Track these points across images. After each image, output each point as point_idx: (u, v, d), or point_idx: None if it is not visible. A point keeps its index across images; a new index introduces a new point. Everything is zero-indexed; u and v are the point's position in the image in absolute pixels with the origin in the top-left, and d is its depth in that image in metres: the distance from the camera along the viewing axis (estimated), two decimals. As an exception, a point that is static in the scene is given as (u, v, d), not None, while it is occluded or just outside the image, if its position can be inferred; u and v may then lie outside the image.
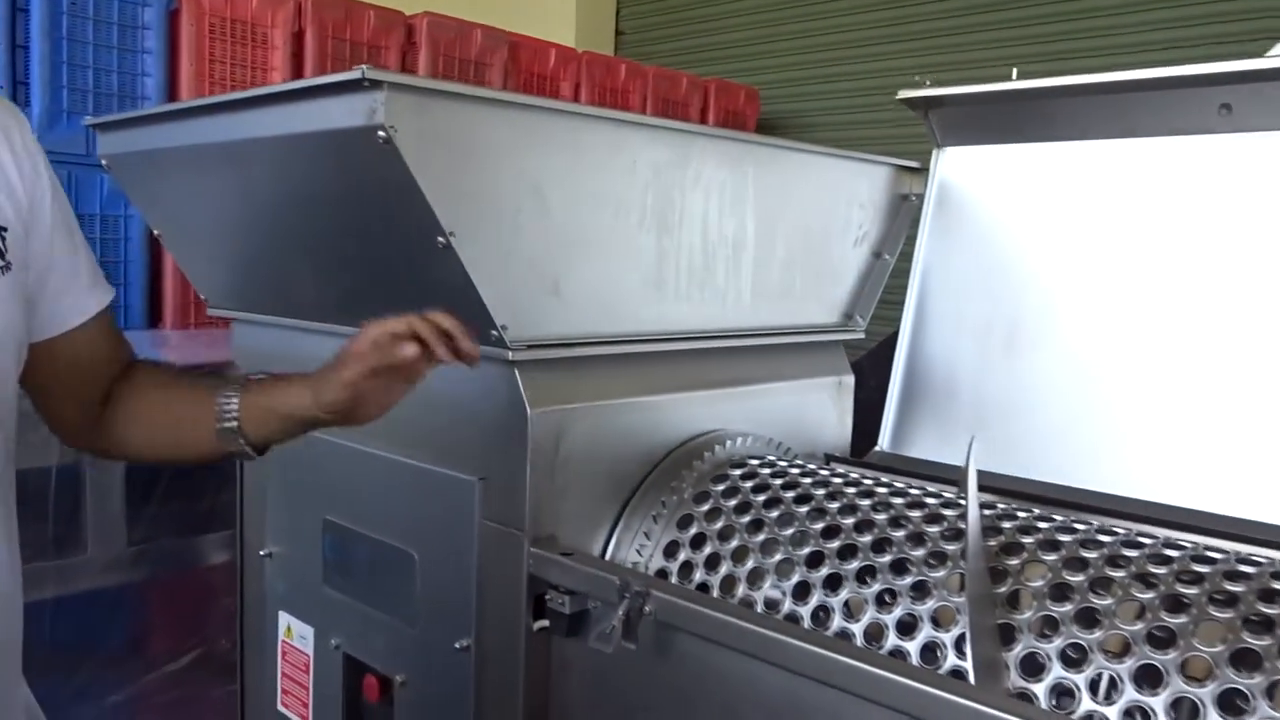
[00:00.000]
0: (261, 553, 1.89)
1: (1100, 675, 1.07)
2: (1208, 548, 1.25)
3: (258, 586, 1.94)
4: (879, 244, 1.95)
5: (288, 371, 1.23)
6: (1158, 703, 1.01)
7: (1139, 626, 1.09)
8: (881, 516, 1.37)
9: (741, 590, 1.36)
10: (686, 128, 1.58)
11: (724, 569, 1.39)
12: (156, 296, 3.02)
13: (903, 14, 4.47)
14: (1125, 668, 1.05)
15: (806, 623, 1.28)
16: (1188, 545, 1.26)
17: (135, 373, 1.26)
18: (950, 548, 1.28)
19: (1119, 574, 1.17)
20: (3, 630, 1.08)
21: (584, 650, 1.38)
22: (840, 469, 1.68)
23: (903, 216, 1.95)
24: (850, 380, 1.98)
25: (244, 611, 2.02)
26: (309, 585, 1.79)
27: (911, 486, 1.51)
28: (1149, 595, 1.12)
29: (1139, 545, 1.24)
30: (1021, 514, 1.37)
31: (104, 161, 1.77)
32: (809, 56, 4.84)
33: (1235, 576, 1.14)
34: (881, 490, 1.47)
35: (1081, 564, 1.20)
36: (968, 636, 1.14)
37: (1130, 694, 1.03)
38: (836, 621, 1.26)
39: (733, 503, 1.48)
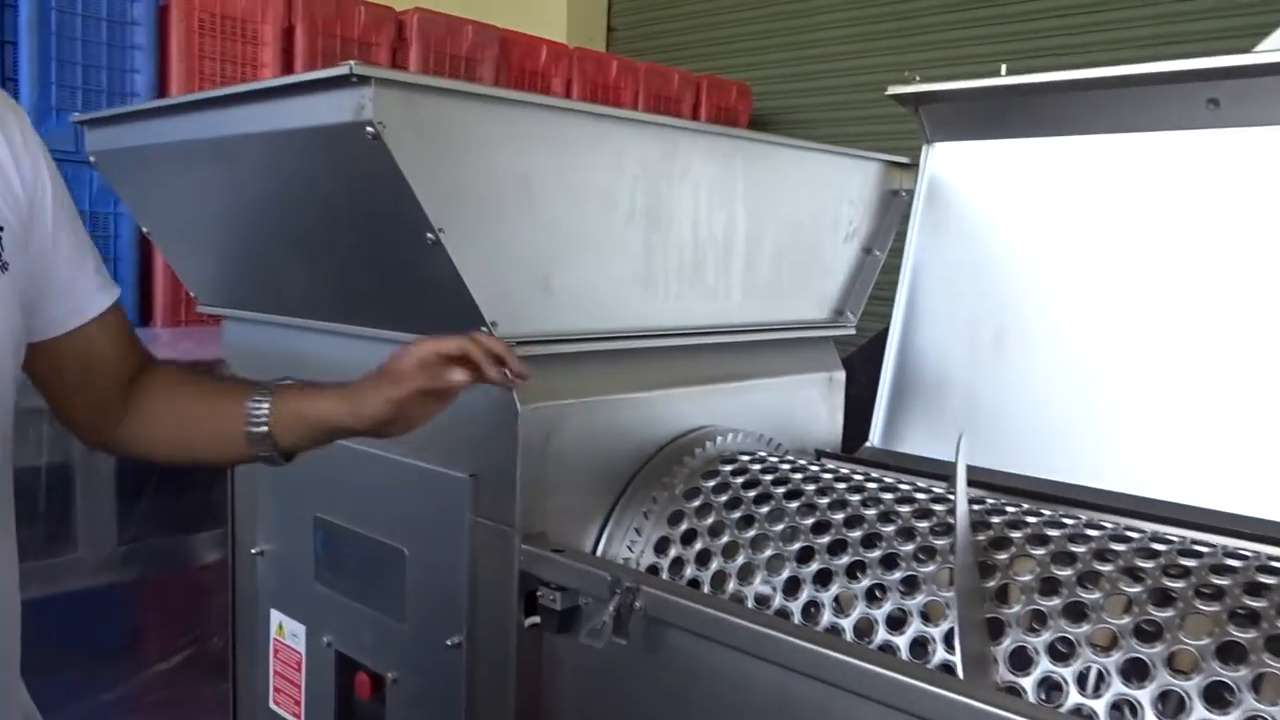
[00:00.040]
0: (253, 550, 1.89)
1: (1088, 669, 1.07)
2: (1195, 542, 1.26)
3: (249, 584, 1.94)
4: (869, 240, 1.95)
5: (316, 379, 1.22)
6: (1144, 696, 1.02)
7: (1126, 620, 1.09)
8: (871, 512, 1.38)
9: (732, 586, 1.36)
10: (674, 123, 1.58)
11: (715, 565, 1.39)
12: (147, 294, 3.01)
13: (894, 10, 4.47)
14: (1113, 661, 1.06)
15: (797, 618, 1.29)
16: (1175, 539, 1.26)
17: (159, 373, 1.24)
18: (940, 543, 1.28)
19: (1107, 568, 1.17)
20: (2, 630, 1.08)
21: (575, 646, 1.38)
22: (831, 464, 1.68)
23: (893, 212, 1.96)
24: (841, 376, 1.98)
25: (235, 609, 2.02)
26: (300, 583, 1.79)
27: (901, 482, 1.51)
28: (1136, 589, 1.13)
29: (1127, 540, 1.25)
30: (1010, 509, 1.37)
31: (92, 158, 1.76)
32: (801, 53, 4.84)
33: (1222, 570, 1.14)
34: (871, 486, 1.47)
35: (1070, 558, 1.21)
36: (956, 631, 1.14)
37: (1117, 687, 1.04)
38: (826, 617, 1.26)
39: (723, 499, 1.49)
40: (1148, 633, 1.08)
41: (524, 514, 1.43)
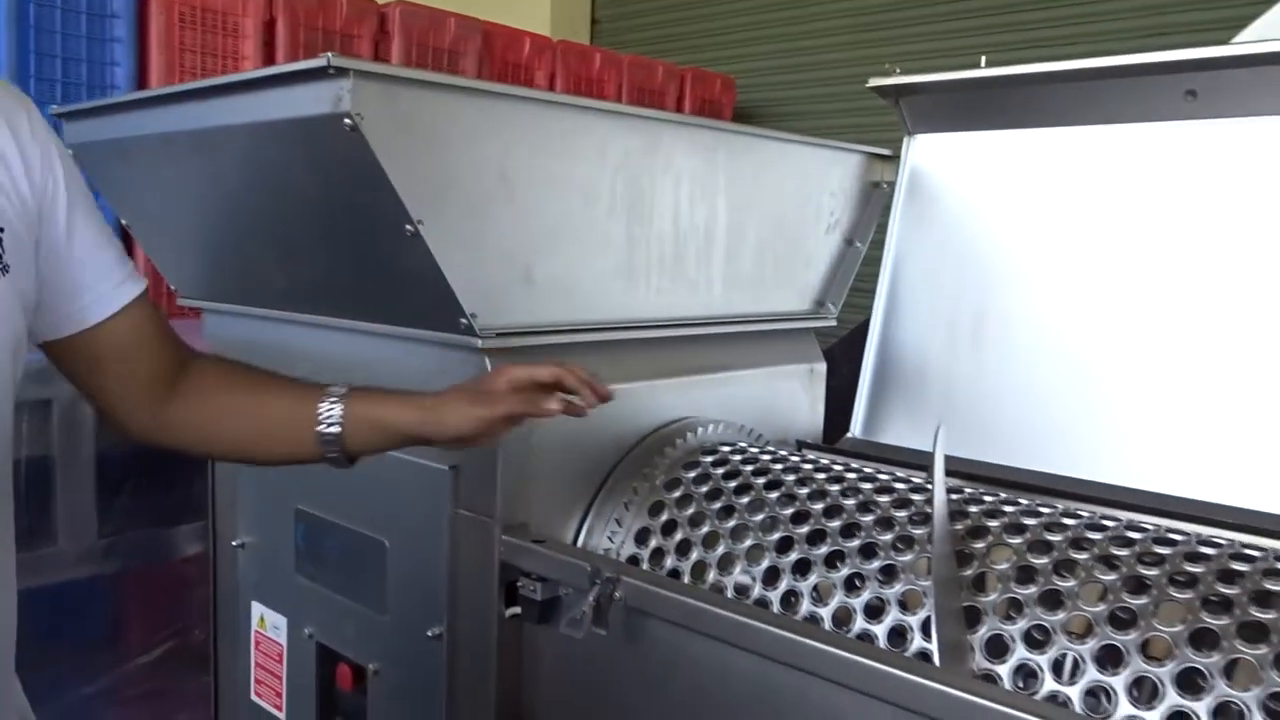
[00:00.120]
0: (234, 543, 1.89)
1: (1064, 656, 1.08)
2: (1169, 530, 1.27)
3: (230, 577, 1.93)
4: (850, 231, 1.95)
5: (377, 385, 1.23)
6: (1118, 682, 1.03)
7: (1101, 608, 1.10)
8: (850, 502, 1.38)
9: (712, 576, 1.36)
10: (655, 115, 1.58)
11: (695, 555, 1.40)
12: (128, 287, 2.99)
13: (881, 3, 4.47)
14: (1087, 648, 1.07)
15: (776, 607, 1.29)
16: (1150, 528, 1.27)
17: (214, 367, 1.23)
18: (918, 532, 1.29)
19: (1083, 556, 1.18)
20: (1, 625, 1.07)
21: (556, 637, 1.39)
22: (811, 455, 1.69)
23: (874, 204, 1.96)
24: (822, 367, 1.99)
25: (217, 602, 2.02)
26: (281, 575, 1.78)
27: (880, 472, 1.52)
28: (1111, 577, 1.14)
29: (1102, 528, 1.26)
30: (988, 498, 1.38)
31: (71, 151, 1.74)
32: (786, 45, 4.84)
33: (1195, 558, 1.15)
34: (851, 476, 1.48)
35: (1046, 547, 1.21)
36: (933, 619, 1.15)
37: (1092, 674, 1.05)
38: (805, 606, 1.27)
39: (704, 489, 1.49)
40: (1122, 620, 1.09)
41: (505, 505, 1.43)
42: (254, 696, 1.90)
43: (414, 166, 1.26)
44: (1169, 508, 1.41)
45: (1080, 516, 1.31)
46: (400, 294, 1.46)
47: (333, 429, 1.17)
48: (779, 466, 1.52)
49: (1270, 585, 1.08)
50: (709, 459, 1.56)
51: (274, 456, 1.24)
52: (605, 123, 1.49)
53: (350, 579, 1.65)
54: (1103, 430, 1.65)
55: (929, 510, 1.30)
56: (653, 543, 1.45)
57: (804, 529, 1.35)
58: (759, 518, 1.40)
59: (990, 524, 1.28)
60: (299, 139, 1.32)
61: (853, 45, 4.57)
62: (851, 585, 1.26)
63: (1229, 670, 1.00)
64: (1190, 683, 1.00)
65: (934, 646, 1.14)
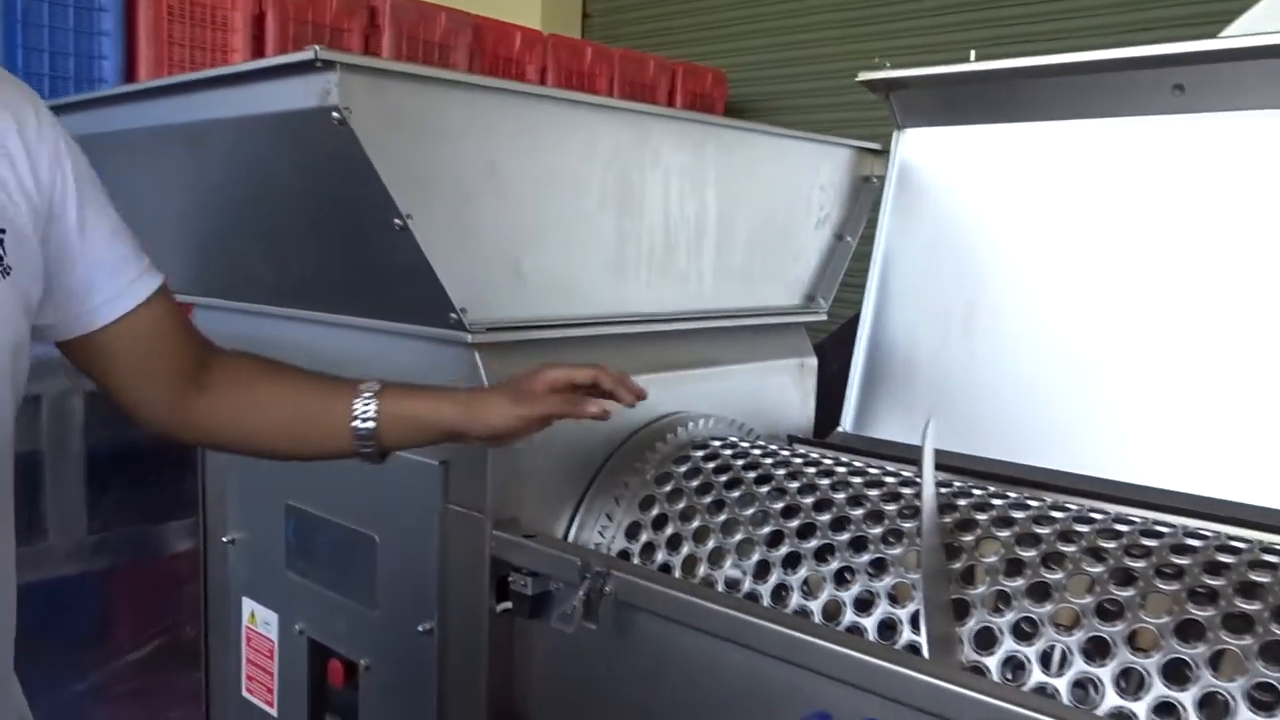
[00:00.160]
0: (224, 539, 1.89)
1: (1051, 648, 1.09)
2: (1156, 522, 1.28)
3: (221, 573, 1.93)
4: (840, 226, 1.96)
5: (409, 381, 1.23)
6: (1105, 674, 1.03)
7: (1089, 600, 1.11)
8: (840, 495, 1.39)
9: (703, 570, 1.37)
10: (644, 109, 1.58)
11: (685, 549, 1.40)
12: (117, 283, 2.97)
13: (868, -2, 4.48)
14: (1075, 640, 1.07)
15: (766, 601, 1.29)
16: (1137, 520, 1.28)
17: (243, 362, 1.22)
18: (907, 525, 1.29)
19: (1070, 549, 1.19)
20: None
21: (547, 631, 1.39)
22: (802, 449, 1.69)
23: (864, 198, 1.97)
24: (813, 362, 1.99)
25: (207, 598, 2.01)
26: (272, 571, 1.78)
27: (871, 466, 1.53)
28: (1099, 569, 1.14)
29: (1090, 521, 1.26)
30: (977, 492, 1.38)
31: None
32: (777, 39, 4.84)
33: (1182, 550, 1.16)
34: (841, 470, 1.48)
35: (1034, 540, 1.22)
36: (922, 612, 1.15)
37: (1079, 666, 1.05)
38: (795, 599, 1.27)
39: (694, 484, 1.49)
40: (1109, 612, 1.09)
41: (495, 500, 1.43)
42: (245, 693, 1.89)
43: (402, 160, 1.26)
44: (1158, 501, 1.42)
45: (1068, 510, 1.31)
46: (389, 288, 1.46)
47: (368, 424, 1.17)
48: (769, 461, 1.52)
49: (1255, 577, 1.08)
50: (700, 453, 1.57)
51: (304, 452, 1.24)
52: (595, 117, 1.49)
53: (341, 574, 1.65)
54: (1093, 424, 1.66)
55: (918, 504, 1.31)
56: (643, 537, 1.45)
57: (794, 523, 1.36)
58: (749, 512, 1.40)
59: (979, 517, 1.29)
60: (287, 133, 1.31)
61: (845, 40, 4.57)
62: (841, 579, 1.27)
63: (1215, 661, 1.00)
64: (1177, 674, 1.01)
65: (923, 639, 1.14)
